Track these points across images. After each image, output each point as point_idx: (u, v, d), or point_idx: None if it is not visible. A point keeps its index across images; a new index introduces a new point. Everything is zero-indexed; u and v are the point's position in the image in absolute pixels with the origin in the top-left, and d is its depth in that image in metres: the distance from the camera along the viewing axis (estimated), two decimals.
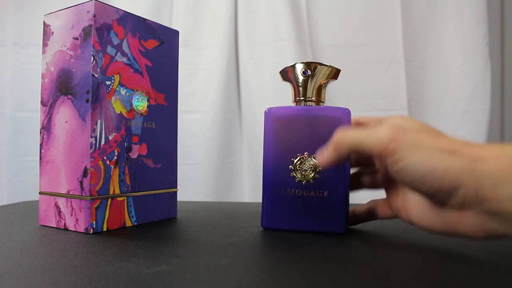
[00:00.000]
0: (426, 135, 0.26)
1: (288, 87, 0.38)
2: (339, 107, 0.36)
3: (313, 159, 0.35)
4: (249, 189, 0.99)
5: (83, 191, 0.34)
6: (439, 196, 0.25)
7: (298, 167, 0.35)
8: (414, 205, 0.30)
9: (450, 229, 0.26)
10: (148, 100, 0.40)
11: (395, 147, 0.26)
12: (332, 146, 0.31)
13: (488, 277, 0.24)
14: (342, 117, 0.35)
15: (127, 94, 0.38)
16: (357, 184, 0.37)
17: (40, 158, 0.38)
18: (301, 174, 0.35)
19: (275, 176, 0.36)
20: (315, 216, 0.35)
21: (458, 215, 0.25)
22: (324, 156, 0.32)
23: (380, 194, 0.35)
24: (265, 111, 0.37)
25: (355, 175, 0.37)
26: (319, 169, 0.35)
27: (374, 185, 0.36)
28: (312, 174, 0.35)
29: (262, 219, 0.37)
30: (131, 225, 0.38)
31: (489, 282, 0.23)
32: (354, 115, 0.36)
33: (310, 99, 0.37)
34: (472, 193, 0.23)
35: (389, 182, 0.33)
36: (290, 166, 0.36)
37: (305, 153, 0.35)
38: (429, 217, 0.28)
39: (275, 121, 0.36)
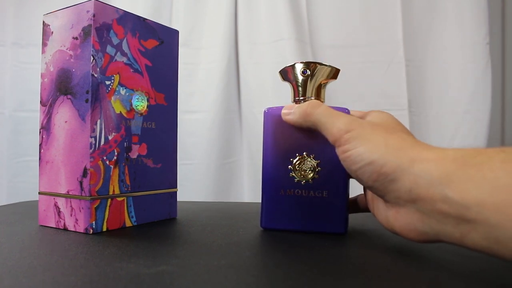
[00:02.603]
0: (383, 131, 0.28)
1: (288, 87, 0.38)
2: (339, 107, 0.36)
3: (313, 160, 0.35)
4: (249, 189, 0.99)
5: (83, 191, 0.34)
6: (377, 188, 0.27)
7: (298, 167, 0.35)
8: (375, 198, 0.31)
9: (389, 225, 0.28)
10: (148, 100, 0.40)
11: (347, 139, 0.28)
12: (301, 111, 0.33)
13: (489, 277, 0.24)
14: None
15: (127, 94, 0.38)
16: (355, 208, 0.38)
17: (40, 158, 0.38)
18: (301, 174, 0.35)
19: (275, 176, 0.36)
20: (315, 216, 0.35)
21: (396, 211, 0.27)
22: (290, 113, 0.34)
23: None
24: (264, 111, 0.37)
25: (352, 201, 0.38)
26: (319, 169, 0.35)
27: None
28: (312, 174, 0.35)
29: (262, 219, 0.37)
30: (131, 225, 0.38)
31: (490, 281, 0.23)
32: None
33: (309, 99, 0.36)
34: (406, 189, 0.25)
35: None
36: (290, 166, 0.36)
37: (304, 153, 0.35)
38: (380, 211, 0.30)
39: (275, 121, 0.36)
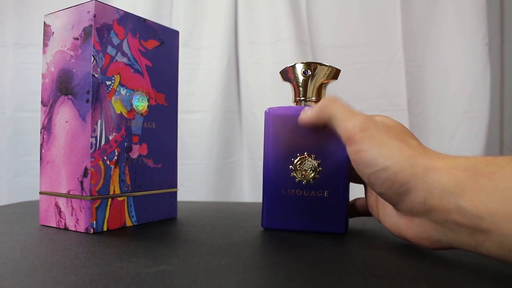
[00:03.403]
0: (396, 135, 0.28)
1: (288, 87, 0.38)
2: None
3: (314, 160, 0.35)
4: (249, 189, 0.99)
5: (84, 191, 0.35)
6: (390, 196, 0.27)
7: (298, 167, 0.35)
8: (382, 204, 0.31)
9: (400, 233, 0.29)
10: (148, 100, 0.40)
11: (361, 138, 0.28)
12: (319, 104, 0.32)
13: (491, 276, 0.24)
14: None
15: (127, 94, 0.38)
16: (354, 212, 0.38)
17: (41, 158, 0.38)
18: (301, 174, 0.35)
19: (275, 176, 0.36)
20: (315, 216, 0.35)
21: (408, 220, 0.27)
22: (307, 114, 0.34)
23: None
24: (265, 111, 0.37)
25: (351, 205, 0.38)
26: (319, 169, 0.35)
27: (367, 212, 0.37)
28: (312, 174, 0.35)
29: (263, 219, 0.37)
30: (131, 225, 0.38)
31: (491, 281, 0.23)
32: None
33: (310, 99, 0.37)
34: (420, 200, 0.24)
35: None
36: (290, 166, 0.36)
37: (305, 153, 0.35)
38: (389, 218, 0.30)
39: (276, 121, 0.36)
